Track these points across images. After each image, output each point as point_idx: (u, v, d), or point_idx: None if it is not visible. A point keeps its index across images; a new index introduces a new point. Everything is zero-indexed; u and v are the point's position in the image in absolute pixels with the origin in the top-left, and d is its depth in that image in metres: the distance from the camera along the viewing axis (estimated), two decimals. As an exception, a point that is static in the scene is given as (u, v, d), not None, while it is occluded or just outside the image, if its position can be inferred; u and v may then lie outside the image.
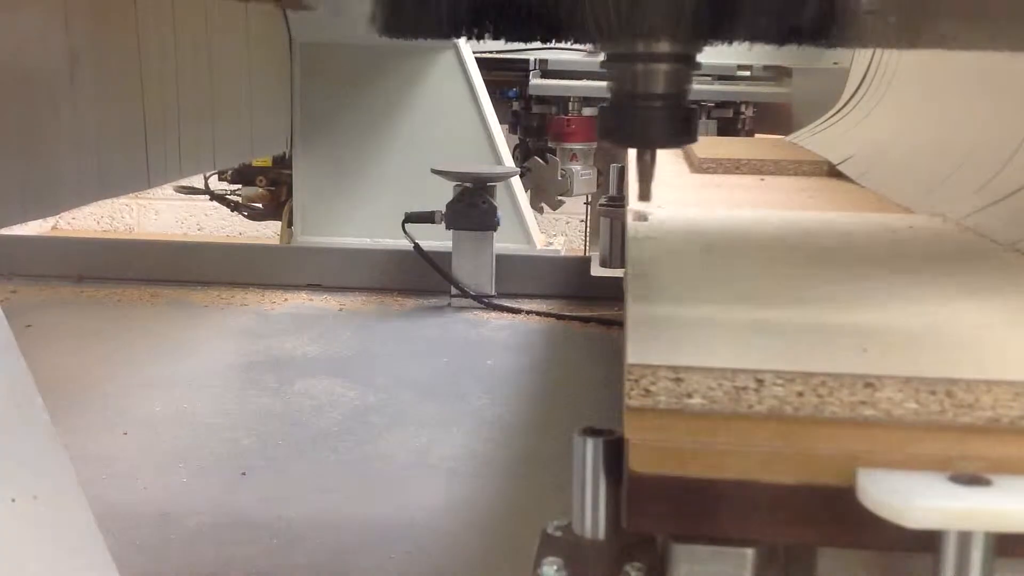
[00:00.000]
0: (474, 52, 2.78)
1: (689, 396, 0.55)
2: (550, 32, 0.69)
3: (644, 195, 0.84)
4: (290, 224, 2.87)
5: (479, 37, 0.71)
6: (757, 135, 3.44)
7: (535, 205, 3.23)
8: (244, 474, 1.39)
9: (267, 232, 4.28)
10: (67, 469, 0.42)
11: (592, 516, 0.60)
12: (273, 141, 2.61)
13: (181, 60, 1.86)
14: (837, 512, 0.54)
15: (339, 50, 2.66)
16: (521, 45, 2.72)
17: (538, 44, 1.66)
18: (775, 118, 3.45)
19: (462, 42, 2.69)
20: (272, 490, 1.34)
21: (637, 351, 0.58)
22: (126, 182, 1.70)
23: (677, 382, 0.55)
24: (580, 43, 0.71)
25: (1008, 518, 0.49)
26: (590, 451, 0.60)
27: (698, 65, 0.77)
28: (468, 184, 2.28)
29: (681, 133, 0.79)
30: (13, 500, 0.39)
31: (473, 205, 2.28)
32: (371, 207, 2.72)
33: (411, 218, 2.33)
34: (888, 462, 0.53)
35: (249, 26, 2.28)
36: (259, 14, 2.33)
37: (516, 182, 2.71)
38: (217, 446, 1.49)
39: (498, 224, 2.29)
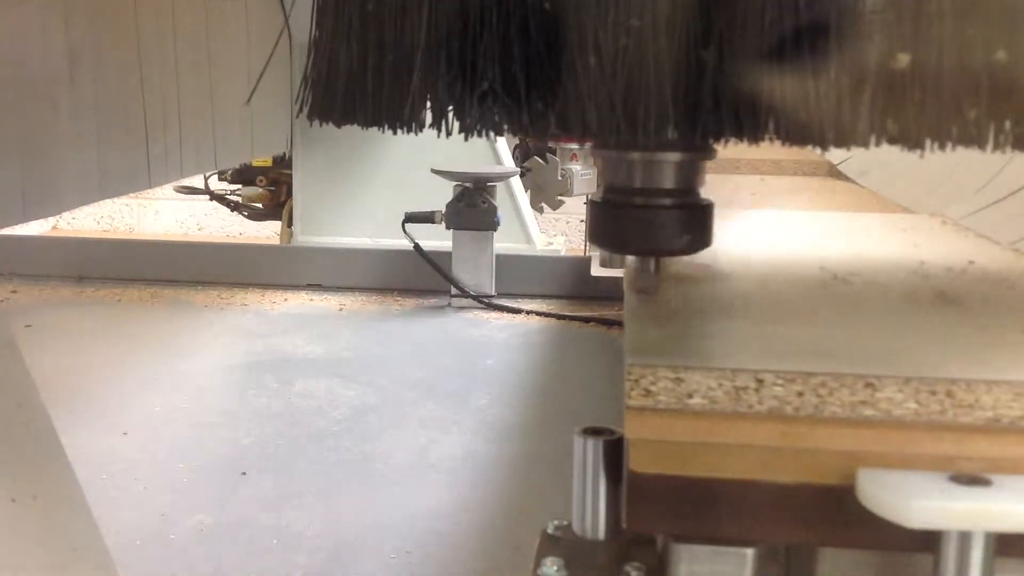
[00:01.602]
0: (474, 52, 2.78)
1: (689, 396, 0.55)
2: (518, 123, 0.57)
3: None
4: (290, 224, 2.87)
5: (437, 130, 0.58)
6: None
7: (535, 205, 3.23)
8: (244, 474, 1.39)
9: (267, 232, 4.28)
10: (67, 469, 0.42)
11: (592, 516, 0.60)
12: (273, 141, 2.61)
13: (181, 59, 1.86)
14: (837, 512, 0.54)
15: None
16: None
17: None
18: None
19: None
20: (272, 490, 1.35)
21: (637, 351, 0.58)
22: (126, 182, 1.70)
23: (677, 382, 0.55)
24: (556, 134, 0.57)
25: (1008, 518, 0.49)
26: (590, 451, 0.60)
27: (713, 153, 0.65)
28: (468, 184, 2.28)
29: (694, 236, 0.65)
30: (13, 500, 0.39)
31: (473, 205, 2.28)
32: (371, 207, 2.72)
33: (411, 218, 2.34)
34: (888, 462, 0.53)
35: (249, 25, 2.28)
36: (259, 14, 2.33)
37: (516, 182, 2.71)
38: (217, 446, 1.49)
39: (498, 224, 2.29)
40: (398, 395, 1.73)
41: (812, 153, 1.85)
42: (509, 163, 2.78)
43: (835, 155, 1.73)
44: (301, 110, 0.62)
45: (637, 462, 0.55)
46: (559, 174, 3.29)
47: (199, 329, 2.11)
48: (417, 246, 2.32)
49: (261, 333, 2.08)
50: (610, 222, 0.67)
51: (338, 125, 0.61)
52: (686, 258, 0.87)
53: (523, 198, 2.77)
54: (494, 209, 2.28)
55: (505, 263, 2.36)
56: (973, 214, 1.11)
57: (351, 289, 2.41)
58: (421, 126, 0.59)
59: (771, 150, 1.92)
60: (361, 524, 1.26)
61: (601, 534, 0.61)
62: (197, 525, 1.24)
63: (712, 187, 0.70)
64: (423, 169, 2.32)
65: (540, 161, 3.30)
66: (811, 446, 0.54)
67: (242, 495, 1.33)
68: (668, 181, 0.63)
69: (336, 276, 2.44)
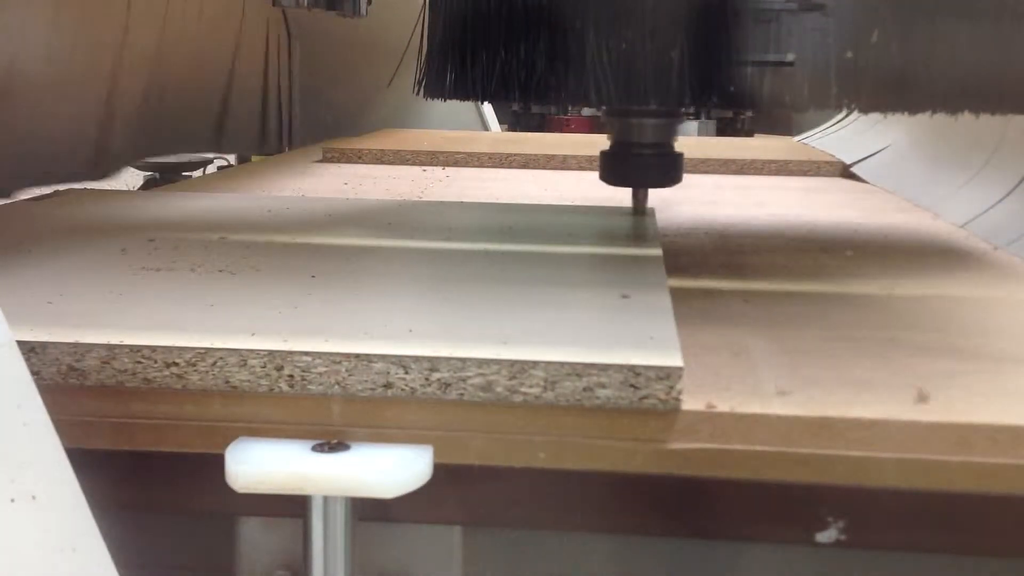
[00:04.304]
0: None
1: None
2: (562, 97, 0.82)
3: None
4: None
5: (505, 102, 0.86)
6: (757, 135, 3.44)
7: (534, 205, 3.21)
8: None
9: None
10: (67, 469, 0.41)
11: None
12: (271, 138, 2.60)
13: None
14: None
15: (339, 49, 2.66)
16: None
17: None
18: (774, 118, 3.46)
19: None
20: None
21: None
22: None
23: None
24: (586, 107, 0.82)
25: (361, 482, 0.51)
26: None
27: (683, 119, 0.95)
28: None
29: (669, 175, 0.98)
30: (12, 500, 0.38)
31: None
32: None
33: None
34: (260, 432, 0.55)
35: (245, 21, 2.28)
36: (256, 10, 2.33)
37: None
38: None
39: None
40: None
41: (825, 154, 1.84)
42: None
43: (848, 156, 1.72)
44: (419, 91, 0.90)
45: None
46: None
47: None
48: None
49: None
50: (617, 165, 0.97)
51: (446, 100, 0.88)
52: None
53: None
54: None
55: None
56: (986, 212, 1.11)
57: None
58: (500, 99, 0.88)
59: (783, 150, 1.91)
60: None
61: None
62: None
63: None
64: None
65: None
66: (194, 414, 0.56)
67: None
68: (652, 137, 0.94)
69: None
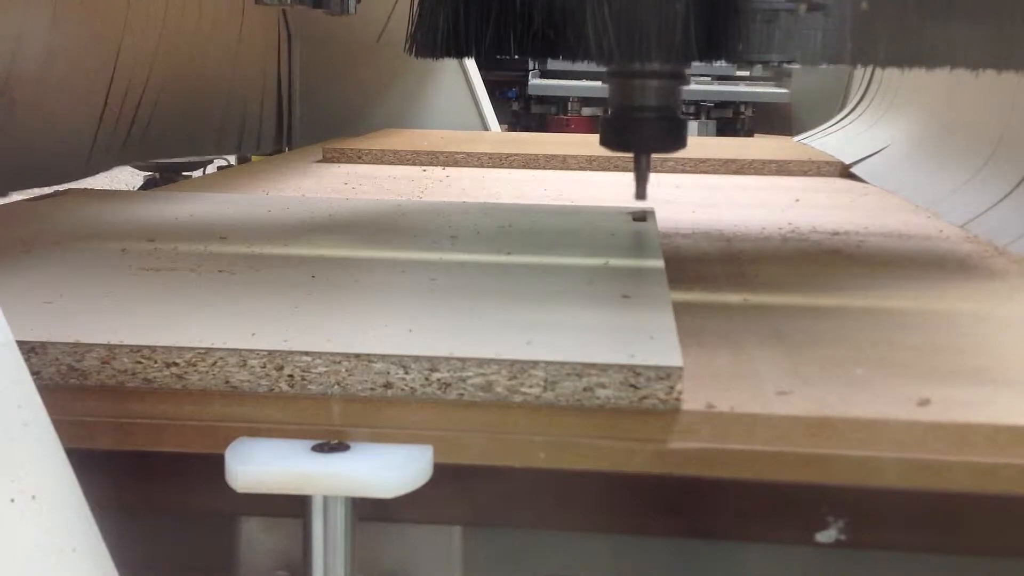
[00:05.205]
0: (474, 52, 2.76)
1: None
2: (560, 53, 0.78)
3: (640, 195, 0.94)
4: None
5: (501, 56, 0.81)
6: (756, 135, 3.44)
7: (534, 205, 3.21)
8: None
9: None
10: (67, 469, 0.41)
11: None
12: (265, 137, 2.60)
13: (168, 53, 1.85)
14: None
15: (340, 48, 2.66)
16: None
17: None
18: (775, 118, 3.46)
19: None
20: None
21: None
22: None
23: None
24: (584, 61, 0.78)
25: (361, 482, 0.50)
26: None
27: (687, 80, 0.89)
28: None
29: (673, 140, 0.91)
30: (12, 500, 0.38)
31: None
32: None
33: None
34: (259, 432, 0.54)
35: (244, 21, 2.27)
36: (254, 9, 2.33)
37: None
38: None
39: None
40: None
41: (824, 154, 1.84)
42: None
43: (848, 156, 1.71)
44: (410, 47, 0.86)
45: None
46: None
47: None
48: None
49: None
50: (617, 130, 0.91)
51: (437, 58, 0.84)
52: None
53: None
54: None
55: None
56: (982, 215, 1.10)
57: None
58: (493, 55, 0.81)
59: (778, 151, 1.91)
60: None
61: None
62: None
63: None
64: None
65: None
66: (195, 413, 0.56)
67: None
68: (656, 99, 0.88)
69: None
